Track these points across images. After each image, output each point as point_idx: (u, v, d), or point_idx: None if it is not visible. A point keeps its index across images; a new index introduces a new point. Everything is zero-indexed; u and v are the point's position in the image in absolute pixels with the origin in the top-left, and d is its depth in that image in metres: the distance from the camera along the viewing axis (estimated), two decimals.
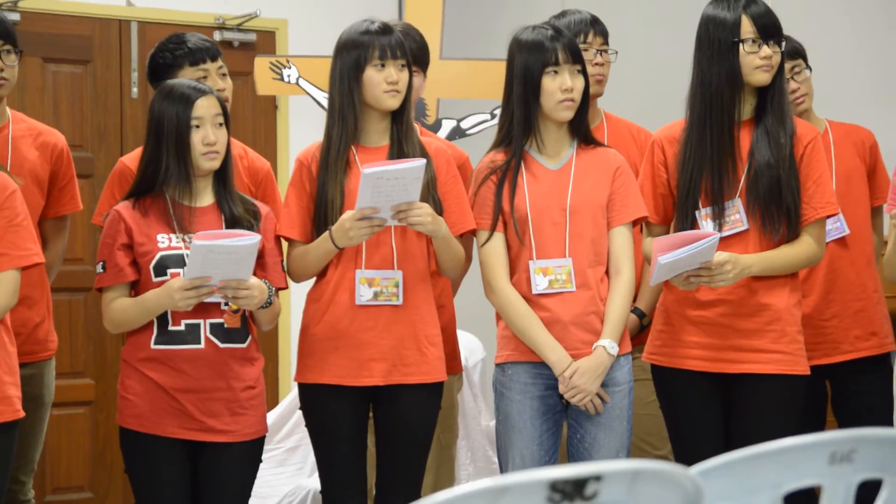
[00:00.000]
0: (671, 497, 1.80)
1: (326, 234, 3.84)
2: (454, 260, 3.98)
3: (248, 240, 3.66)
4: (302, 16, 6.91)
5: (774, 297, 3.97)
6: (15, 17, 4.84)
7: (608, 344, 3.87)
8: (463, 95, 5.72)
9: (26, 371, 4.04)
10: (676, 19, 4.88)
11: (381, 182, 3.68)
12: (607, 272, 3.98)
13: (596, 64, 4.38)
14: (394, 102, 3.91)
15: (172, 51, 4.35)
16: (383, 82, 3.88)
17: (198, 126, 3.79)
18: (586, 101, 4.01)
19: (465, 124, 5.67)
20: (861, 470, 2.09)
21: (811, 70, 4.63)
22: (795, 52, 4.58)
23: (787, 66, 4.42)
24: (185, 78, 4.15)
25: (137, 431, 3.84)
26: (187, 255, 3.73)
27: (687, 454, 3.73)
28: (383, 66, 3.88)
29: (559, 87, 3.91)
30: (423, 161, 3.75)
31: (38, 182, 4.34)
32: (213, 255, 3.64)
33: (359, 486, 3.99)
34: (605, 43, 4.55)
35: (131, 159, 4.23)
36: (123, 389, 3.88)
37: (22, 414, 3.81)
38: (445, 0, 5.76)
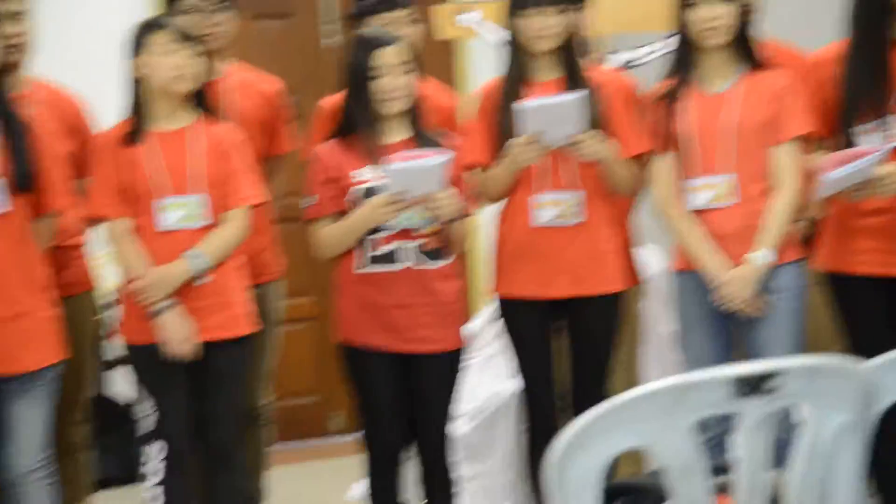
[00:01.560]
0: (847, 389, 1.81)
1: (504, 159, 3.88)
2: (626, 180, 3.99)
3: (440, 158, 3.75)
4: None
5: None
6: None
7: (761, 253, 3.82)
8: (630, 28, 5.60)
9: (255, 291, 4.16)
10: None
11: (540, 112, 3.75)
12: (773, 187, 3.89)
13: None
14: (543, 45, 3.92)
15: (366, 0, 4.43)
16: (530, 28, 3.90)
17: (380, 74, 3.84)
18: (745, 29, 3.94)
19: (635, 58, 5.57)
20: None
21: None
22: None
23: None
24: (377, 25, 4.23)
25: (353, 345, 3.93)
26: (384, 185, 3.80)
27: (861, 353, 3.65)
28: (527, 13, 3.89)
29: (700, 18, 3.87)
30: (581, 93, 3.79)
31: (257, 126, 4.39)
32: (409, 174, 3.73)
33: (551, 385, 4.06)
34: None
35: (329, 102, 4.31)
36: (339, 307, 3.98)
37: (257, 328, 3.98)
38: None
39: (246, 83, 4.46)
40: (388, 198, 3.74)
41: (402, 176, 3.71)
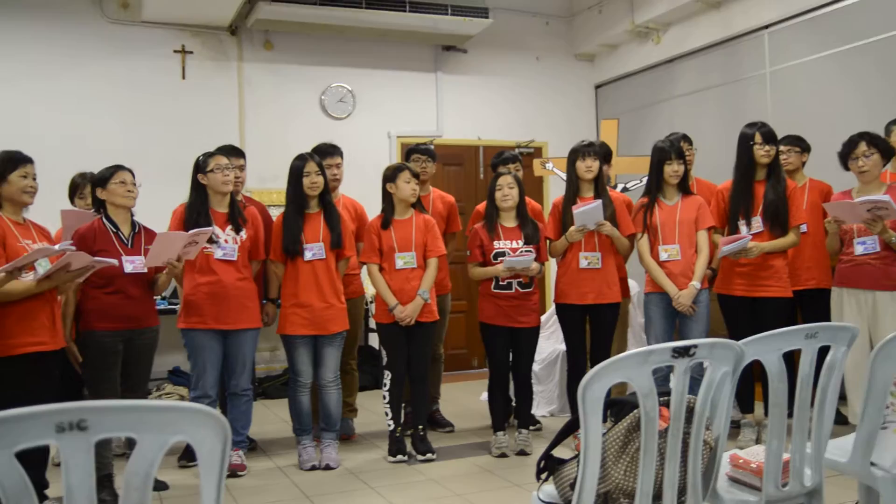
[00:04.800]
0: (728, 354, 1.75)
1: (565, 236, 3.83)
2: (624, 248, 3.92)
3: (532, 254, 3.74)
4: (554, 139, 6.73)
5: (776, 260, 3.79)
6: (431, 146, 4.96)
7: (695, 283, 3.75)
8: (628, 172, 5.58)
9: (441, 297, 4.17)
10: (729, 133, 4.58)
11: (584, 213, 3.70)
12: (696, 251, 3.82)
13: (687, 156, 4.19)
14: (589, 175, 3.84)
15: (498, 157, 4.39)
16: (583, 167, 3.82)
17: (500, 188, 3.83)
18: (685, 175, 3.89)
19: (629, 185, 5.54)
20: (822, 341, 1.94)
21: (807, 151, 4.25)
22: (796, 142, 4.23)
23: (787, 148, 4.16)
24: (504, 170, 4.14)
25: (486, 323, 3.89)
26: (508, 253, 3.78)
27: (735, 335, 3.58)
28: (584, 158, 3.82)
29: (671, 170, 3.82)
30: (599, 202, 3.72)
31: (443, 218, 4.38)
32: (518, 263, 3.71)
33: (583, 349, 3.93)
34: (691, 145, 4.34)
35: (481, 205, 4.25)
36: (480, 306, 3.92)
37: (437, 317, 3.92)
38: (619, 127, 5.62)
39: (440, 196, 4.44)
40: (506, 267, 3.73)
41: (514, 263, 3.72)
